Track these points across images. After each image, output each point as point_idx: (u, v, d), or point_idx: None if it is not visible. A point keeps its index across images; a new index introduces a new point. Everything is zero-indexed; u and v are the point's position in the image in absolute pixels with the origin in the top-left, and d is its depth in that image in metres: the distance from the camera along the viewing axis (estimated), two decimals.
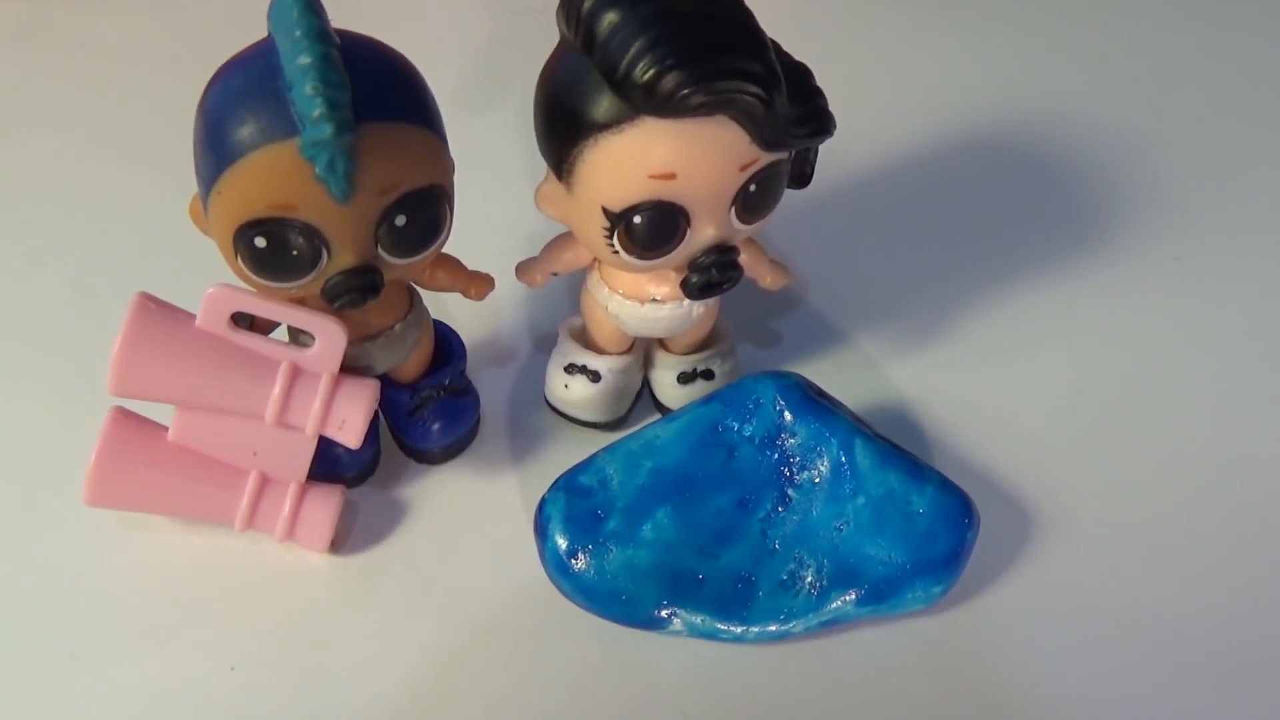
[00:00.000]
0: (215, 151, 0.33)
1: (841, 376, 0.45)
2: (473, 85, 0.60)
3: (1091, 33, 0.64)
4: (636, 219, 0.35)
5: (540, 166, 0.38)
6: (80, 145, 0.56)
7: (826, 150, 0.39)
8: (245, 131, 0.32)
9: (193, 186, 0.35)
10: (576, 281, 0.43)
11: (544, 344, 0.47)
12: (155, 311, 0.37)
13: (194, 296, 0.37)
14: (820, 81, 0.36)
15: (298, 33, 0.31)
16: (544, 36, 0.37)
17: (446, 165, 0.36)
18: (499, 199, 0.46)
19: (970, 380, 0.47)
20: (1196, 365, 0.48)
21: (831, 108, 0.36)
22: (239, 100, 0.33)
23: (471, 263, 0.40)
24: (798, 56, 0.36)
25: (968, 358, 0.47)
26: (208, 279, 0.37)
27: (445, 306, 0.46)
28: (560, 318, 0.45)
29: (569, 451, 0.43)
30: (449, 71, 0.60)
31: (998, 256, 0.51)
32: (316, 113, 0.31)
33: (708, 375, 0.43)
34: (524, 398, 0.45)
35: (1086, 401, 0.46)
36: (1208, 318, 0.50)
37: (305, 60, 0.31)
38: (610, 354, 0.43)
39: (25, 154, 0.56)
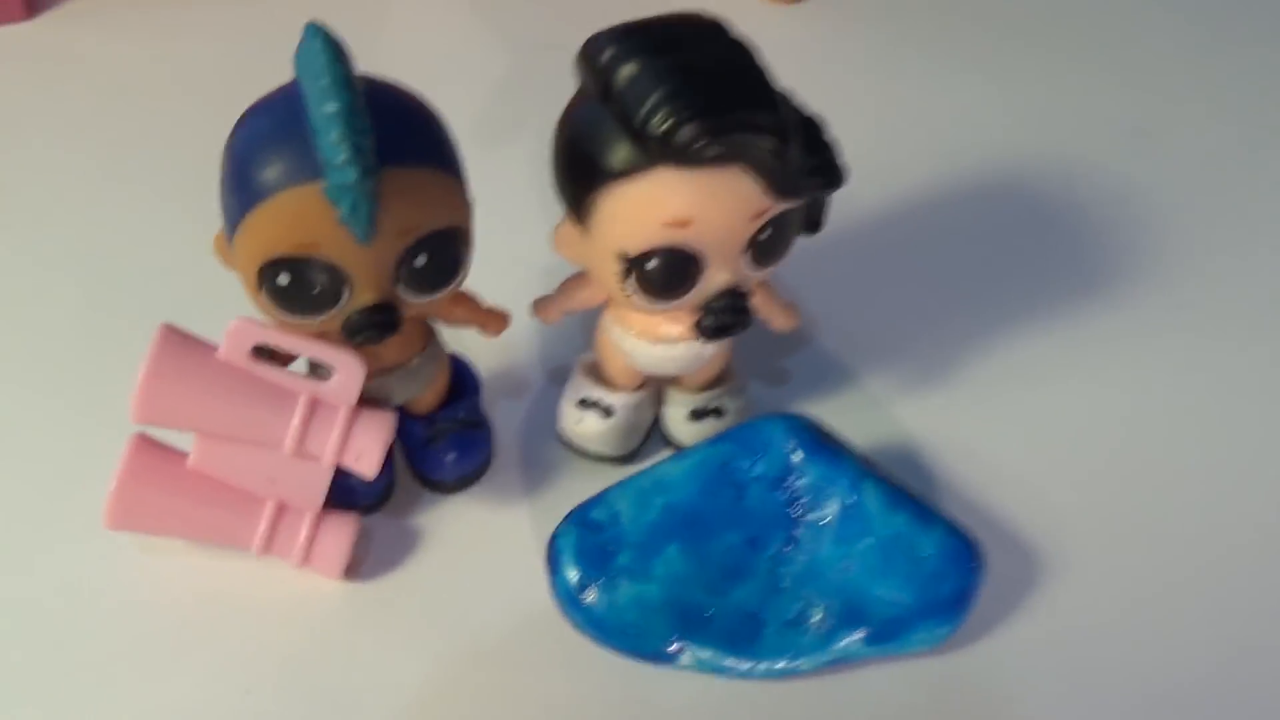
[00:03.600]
0: (241, 191, 0.34)
1: (850, 416, 0.46)
2: (491, 118, 0.60)
3: (1102, 83, 0.64)
4: (651, 264, 0.36)
5: (554, 201, 0.38)
6: (108, 171, 0.57)
7: (839, 191, 0.39)
8: (271, 173, 0.33)
9: (219, 213, 0.36)
10: (591, 315, 0.43)
11: (558, 377, 0.47)
12: (179, 343, 0.37)
13: (218, 323, 0.37)
14: (833, 123, 0.37)
15: (324, 81, 0.32)
16: (563, 71, 0.37)
17: (466, 206, 0.37)
18: (515, 232, 0.47)
19: (978, 421, 0.47)
20: (1204, 410, 0.48)
21: (843, 148, 0.37)
22: (266, 143, 0.34)
23: (487, 294, 0.41)
24: (812, 98, 0.37)
25: (976, 399, 0.48)
26: (231, 306, 0.37)
27: (461, 338, 0.46)
28: (574, 351, 0.46)
29: (580, 484, 0.43)
30: (468, 104, 0.60)
31: (1006, 298, 0.52)
32: (341, 159, 0.32)
33: (719, 413, 0.44)
34: (537, 430, 0.46)
35: (1093, 445, 0.47)
36: (1216, 363, 0.50)
37: (331, 108, 0.32)
38: (623, 390, 0.43)
39: (55, 179, 0.56)
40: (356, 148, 0.32)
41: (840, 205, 0.40)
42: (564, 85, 0.37)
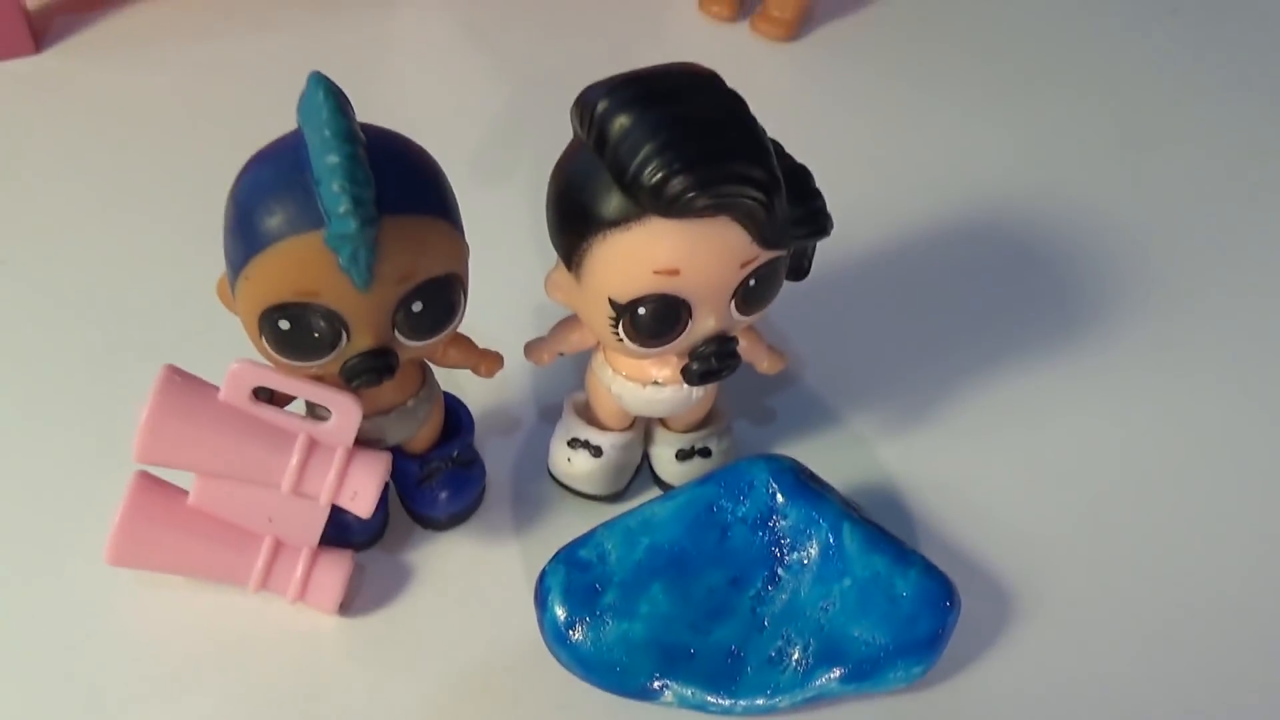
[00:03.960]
0: (244, 239, 0.35)
1: (833, 455, 0.47)
2: (489, 159, 0.61)
3: (1084, 121, 0.66)
4: (641, 310, 0.37)
5: (548, 242, 0.39)
6: (115, 206, 0.57)
7: None
8: (274, 222, 0.34)
9: (221, 252, 0.37)
10: (582, 355, 0.44)
11: (549, 415, 0.48)
12: (180, 384, 0.38)
13: (222, 356, 0.38)
14: (820, 160, 0.38)
15: (327, 132, 0.33)
16: (561, 112, 0.38)
17: (462, 254, 0.38)
18: (509, 270, 0.48)
19: (957, 462, 0.48)
20: (1180, 455, 0.49)
21: (827, 189, 0.38)
22: (268, 191, 0.35)
23: (481, 332, 0.42)
24: (802, 134, 0.38)
25: (955, 440, 0.49)
26: (232, 344, 0.38)
27: (455, 376, 0.47)
28: (565, 390, 0.47)
29: (570, 522, 0.44)
30: (466, 144, 0.61)
31: (988, 340, 0.53)
32: (342, 209, 0.33)
33: (705, 453, 0.45)
34: (528, 468, 0.47)
35: (1070, 488, 0.48)
36: (1194, 407, 0.51)
37: (333, 160, 0.33)
38: (612, 430, 0.44)
39: (62, 213, 0.57)
40: (356, 198, 0.33)
41: (826, 244, 0.41)
42: (562, 125, 0.38)
